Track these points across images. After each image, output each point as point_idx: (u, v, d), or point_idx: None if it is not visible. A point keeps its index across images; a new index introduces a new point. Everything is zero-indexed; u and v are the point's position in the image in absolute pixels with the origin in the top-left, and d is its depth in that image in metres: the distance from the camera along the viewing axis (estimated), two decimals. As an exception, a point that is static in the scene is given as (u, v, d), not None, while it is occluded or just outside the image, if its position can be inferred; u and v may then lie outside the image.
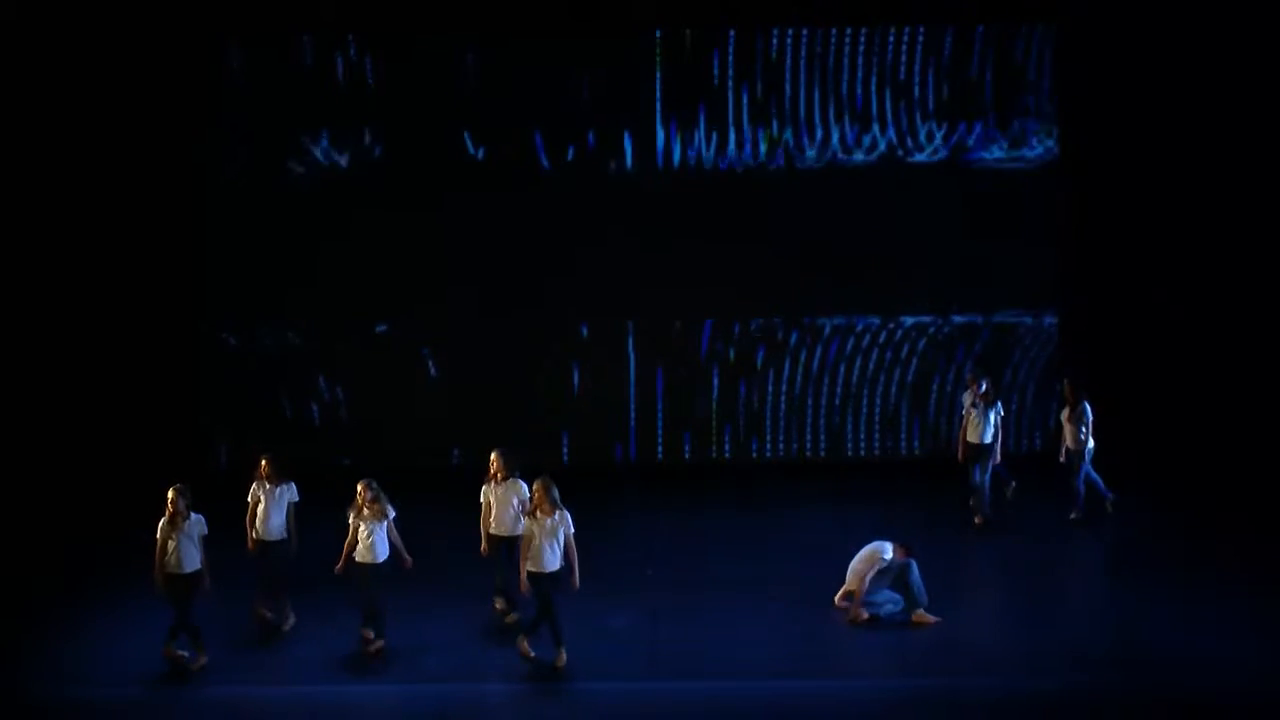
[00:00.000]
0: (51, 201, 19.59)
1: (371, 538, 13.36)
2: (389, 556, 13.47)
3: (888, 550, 14.27)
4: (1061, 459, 17.69)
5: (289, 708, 12.55)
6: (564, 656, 13.14)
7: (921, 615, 14.09)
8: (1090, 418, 17.37)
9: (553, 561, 13.09)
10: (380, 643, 13.48)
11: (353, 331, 20.40)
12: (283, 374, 20.40)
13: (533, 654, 13.23)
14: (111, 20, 19.34)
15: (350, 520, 13.48)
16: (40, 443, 19.32)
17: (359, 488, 13.49)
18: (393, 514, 13.52)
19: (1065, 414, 17.58)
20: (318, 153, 20.16)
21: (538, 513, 13.13)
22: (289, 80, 20.05)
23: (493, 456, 14.18)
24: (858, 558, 14.40)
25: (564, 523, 13.12)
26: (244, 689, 12.83)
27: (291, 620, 14.08)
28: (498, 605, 14.34)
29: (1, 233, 19.49)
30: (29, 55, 19.28)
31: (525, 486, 13.94)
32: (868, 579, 14.16)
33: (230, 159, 20.11)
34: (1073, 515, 17.38)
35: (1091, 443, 17.36)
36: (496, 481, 14.12)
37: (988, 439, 17.26)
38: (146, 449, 19.52)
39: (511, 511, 14.01)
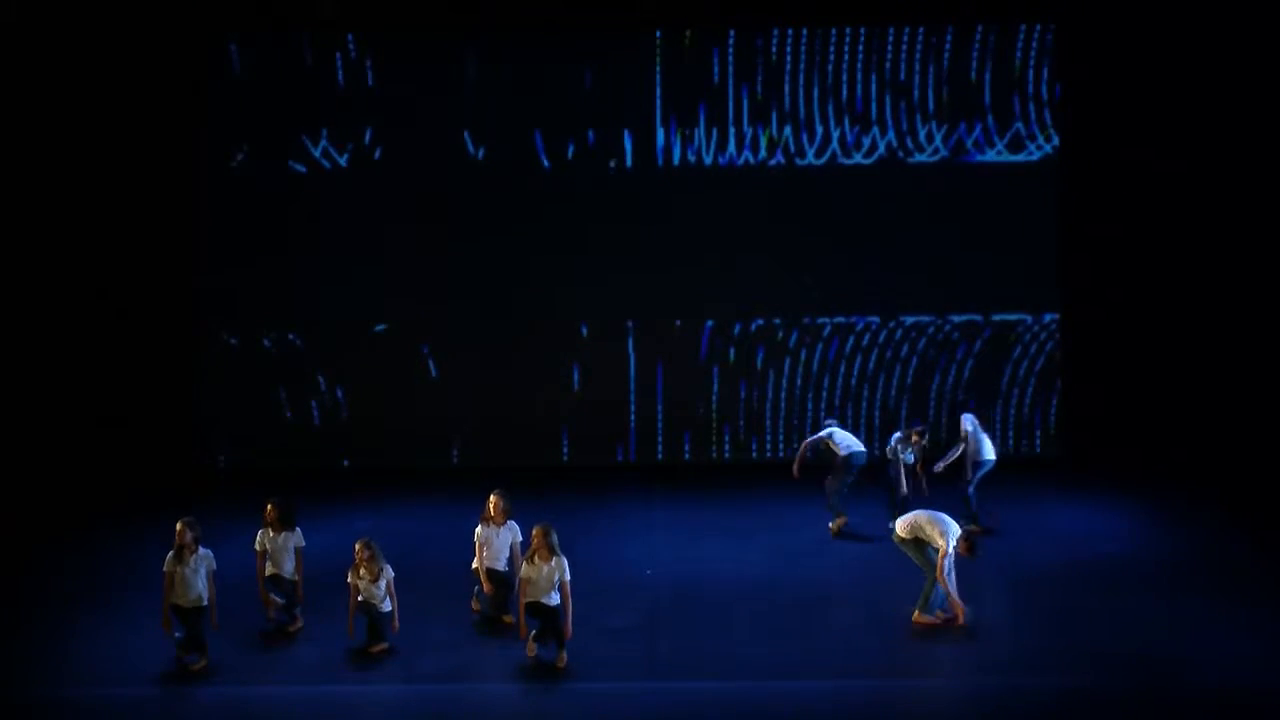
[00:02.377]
0: (51, 201, 19.61)
1: (372, 594, 13.35)
2: (390, 610, 13.47)
3: (952, 537, 13.78)
4: (968, 475, 17.14)
5: (290, 708, 12.53)
6: (565, 658, 13.15)
7: (921, 616, 14.03)
8: (970, 428, 17.11)
9: (552, 599, 13.13)
10: (384, 645, 13.48)
11: (353, 331, 20.41)
12: (283, 374, 20.41)
13: (535, 652, 13.23)
14: (112, 20, 19.36)
15: (349, 580, 13.44)
16: (40, 442, 19.34)
17: (357, 547, 13.44)
18: (391, 573, 13.47)
19: (963, 448, 17.11)
20: (318, 152, 20.17)
21: (535, 558, 13.14)
22: (289, 80, 20.07)
23: (491, 499, 14.10)
24: (922, 518, 13.99)
25: (560, 569, 13.12)
26: (246, 689, 12.82)
27: (299, 624, 14.07)
28: (475, 606, 14.32)
29: (1, 232, 19.51)
30: (29, 55, 19.30)
31: (519, 528, 13.97)
32: (948, 574, 13.77)
33: (230, 158, 20.13)
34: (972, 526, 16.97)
35: (988, 455, 17.03)
36: (496, 524, 14.08)
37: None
38: (146, 449, 19.54)
39: (508, 553, 14.02)
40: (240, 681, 12.95)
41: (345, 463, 20.28)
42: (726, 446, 20.53)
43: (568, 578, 13.13)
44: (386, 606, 13.43)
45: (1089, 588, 15.15)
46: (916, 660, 13.34)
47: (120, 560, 16.06)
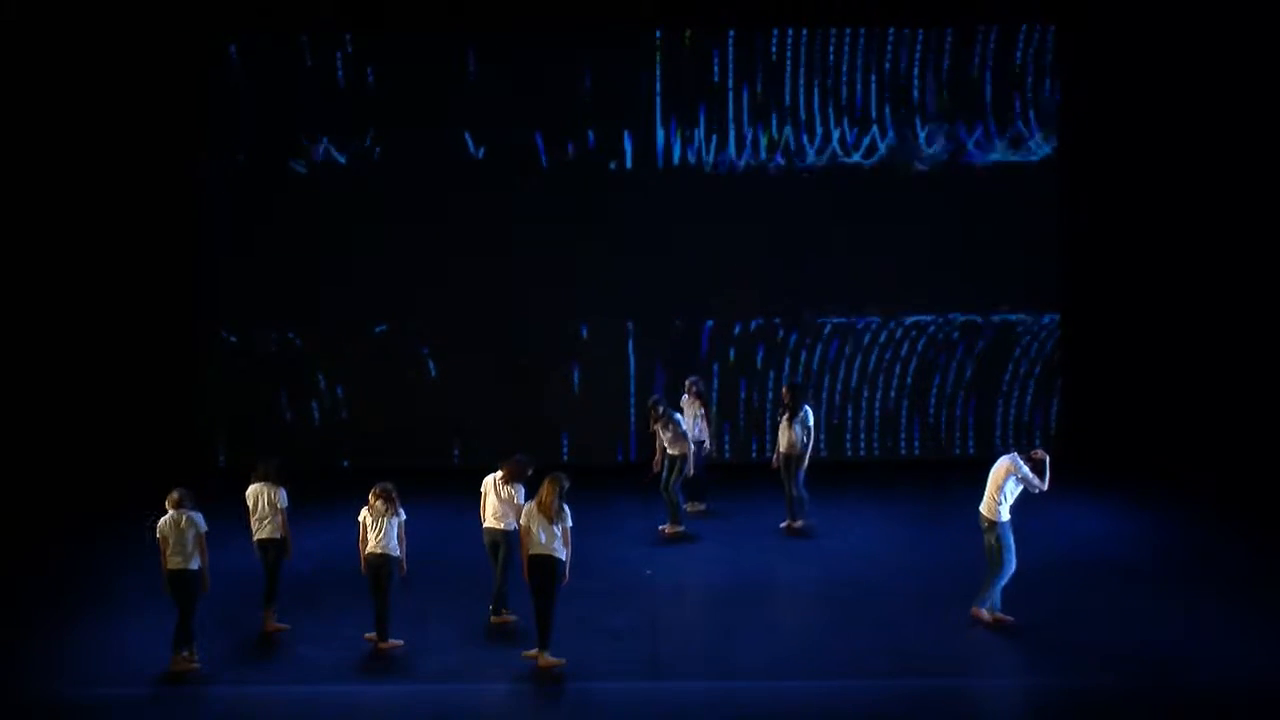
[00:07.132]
0: (52, 201, 19.61)
1: (381, 533, 13.33)
2: (398, 554, 13.44)
3: (1021, 462, 13.82)
4: (774, 465, 17.27)
5: (289, 708, 12.54)
6: (545, 656, 12.97)
7: (992, 614, 13.91)
8: (812, 422, 17.13)
9: (558, 550, 12.93)
10: (388, 642, 13.41)
11: (353, 331, 20.41)
12: (283, 374, 20.41)
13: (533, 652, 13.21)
14: (112, 21, 19.36)
15: (360, 518, 13.45)
16: (41, 442, 19.33)
17: (374, 493, 13.43)
18: (403, 516, 13.49)
19: (784, 419, 17.09)
20: (318, 152, 20.17)
21: (540, 511, 12.97)
22: (289, 80, 20.07)
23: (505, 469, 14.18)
24: (999, 472, 13.96)
25: (564, 519, 12.99)
26: (246, 689, 12.82)
27: (274, 623, 13.97)
28: (496, 616, 14.26)
29: (2, 232, 19.51)
30: (30, 56, 19.30)
31: (523, 490, 13.96)
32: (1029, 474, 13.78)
33: (231, 158, 20.13)
34: (784, 524, 17.08)
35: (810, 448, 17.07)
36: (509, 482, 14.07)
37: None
38: (146, 448, 19.53)
39: (510, 511, 13.98)
40: (240, 681, 12.95)
41: (345, 463, 20.28)
42: (726, 447, 20.52)
43: (569, 524, 13.05)
44: (395, 551, 13.38)
45: (1089, 587, 15.14)
46: (915, 660, 13.32)
47: (120, 560, 16.06)
